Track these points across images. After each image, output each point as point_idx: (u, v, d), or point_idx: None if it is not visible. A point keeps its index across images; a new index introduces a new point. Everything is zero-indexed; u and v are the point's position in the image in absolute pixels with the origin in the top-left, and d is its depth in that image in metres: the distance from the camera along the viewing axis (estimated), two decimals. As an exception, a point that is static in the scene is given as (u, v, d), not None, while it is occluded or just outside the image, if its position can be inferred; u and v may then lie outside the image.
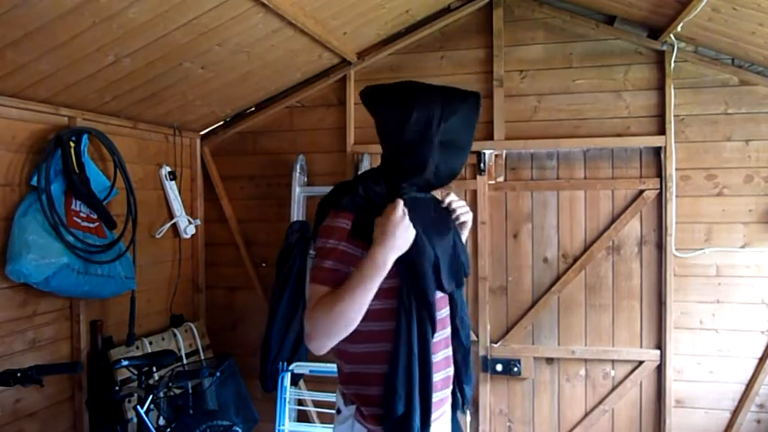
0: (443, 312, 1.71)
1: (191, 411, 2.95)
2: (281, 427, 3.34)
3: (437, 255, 1.62)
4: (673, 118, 3.23)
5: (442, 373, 1.70)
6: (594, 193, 3.39)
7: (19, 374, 2.24)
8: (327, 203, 1.68)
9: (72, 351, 2.89)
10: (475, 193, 3.47)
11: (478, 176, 3.46)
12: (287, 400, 3.35)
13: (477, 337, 3.46)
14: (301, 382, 3.61)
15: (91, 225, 2.81)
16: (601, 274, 3.38)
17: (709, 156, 3.24)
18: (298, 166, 3.58)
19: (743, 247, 3.21)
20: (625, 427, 3.38)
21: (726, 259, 3.23)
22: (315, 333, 1.51)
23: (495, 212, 3.49)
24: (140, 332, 3.23)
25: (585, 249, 3.38)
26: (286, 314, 3.29)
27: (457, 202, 1.80)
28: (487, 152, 3.45)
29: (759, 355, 3.20)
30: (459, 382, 1.80)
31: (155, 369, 2.74)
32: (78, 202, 2.77)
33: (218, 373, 3.19)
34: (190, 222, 3.66)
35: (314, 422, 3.62)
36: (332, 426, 1.77)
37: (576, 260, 3.40)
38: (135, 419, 2.66)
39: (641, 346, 3.33)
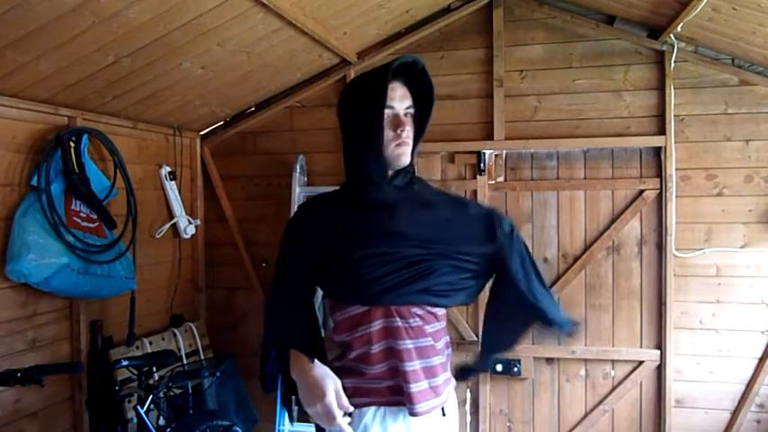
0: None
1: (191, 411, 2.95)
2: (281, 427, 3.34)
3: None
4: (673, 118, 3.23)
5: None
6: (594, 193, 3.39)
7: (19, 374, 2.23)
8: None
9: (72, 351, 2.89)
10: (475, 193, 3.47)
11: (478, 176, 3.46)
12: (287, 400, 3.34)
13: (478, 336, 3.46)
14: (301, 382, 3.60)
15: (91, 225, 2.81)
16: (601, 274, 3.38)
17: (709, 156, 3.24)
18: (298, 166, 3.58)
19: (743, 247, 3.21)
20: (625, 427, 3.38)
21: (726, 259, 3.23)
22: None
23: (495, 212, 3.48)
24: (140, 332, 3.23)
25: (585, 249, 3.38)
26: (286, 314, 3.29)
27: None
28: (487, 152, 3.45)
29: (759, 355, 3.20)
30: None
31: (155, 369, 2.73)
32: (78, 202, 2.76)
33: (218, 373, 3.19)
34: (190, 222, 3.66)
35: (314, 422, 3.61)
36: None
37: (576, 260, 3.40)
38: (135, 419, 2.66)
39: (641, 346, 3.33)
